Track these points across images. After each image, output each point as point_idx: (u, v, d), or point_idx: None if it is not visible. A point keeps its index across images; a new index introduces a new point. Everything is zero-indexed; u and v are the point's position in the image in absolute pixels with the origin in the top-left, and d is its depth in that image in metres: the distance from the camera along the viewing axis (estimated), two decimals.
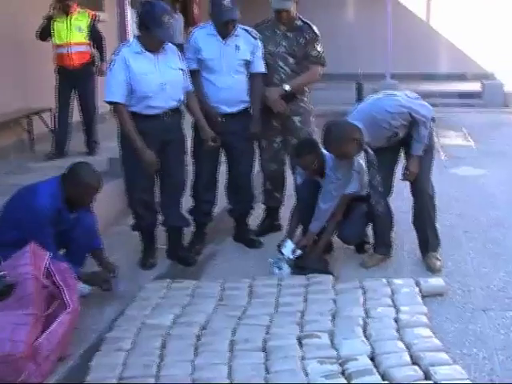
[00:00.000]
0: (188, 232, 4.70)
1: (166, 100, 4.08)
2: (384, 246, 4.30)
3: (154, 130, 4.08)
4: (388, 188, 4.23)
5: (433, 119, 4.11)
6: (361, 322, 3.36)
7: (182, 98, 4.19)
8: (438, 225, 4.32)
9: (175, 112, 4.19)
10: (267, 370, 3.01)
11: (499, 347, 3.18)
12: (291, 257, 4.15)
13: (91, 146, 6.26)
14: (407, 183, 4.22)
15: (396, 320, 3.37)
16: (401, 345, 3.12)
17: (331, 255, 4.42)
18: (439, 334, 3.29)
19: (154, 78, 3.99)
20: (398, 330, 3.27)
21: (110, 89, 4.00)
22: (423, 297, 3.69)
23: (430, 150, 4.14)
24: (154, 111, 4.08)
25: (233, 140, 4.42)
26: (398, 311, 3.47)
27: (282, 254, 4.19)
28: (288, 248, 4.18)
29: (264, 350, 3.19)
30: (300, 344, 3.21)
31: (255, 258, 4.51)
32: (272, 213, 4.93)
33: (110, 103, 4.08)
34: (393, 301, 3.59)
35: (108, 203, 4.88)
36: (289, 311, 3.56)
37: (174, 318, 3.55)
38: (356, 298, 3.63)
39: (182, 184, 4.42)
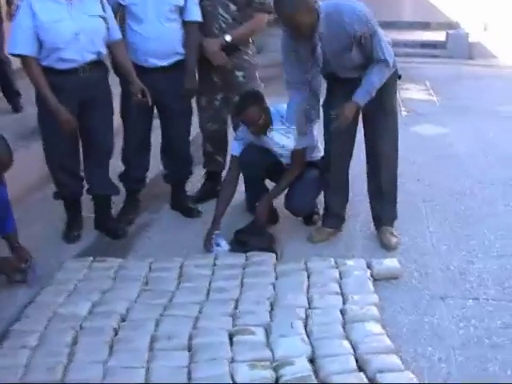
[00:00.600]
0: (121, 199, 4.21)
1: (81, 52, 3.51)
2: (334, 217, 3.86)
3: (69, 86, 3.54)
4: (348, 152, 3.76)
5: (399, 77, 3.63)
6: (302, 315, 2.92)
7: (104, 51, 3.63)
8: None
9: (96, 66, 3.63)
10: (190, 375, 2.58)
11: (457, 345, 2.79)
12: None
13: (13, 100, 5.59)
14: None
15: (342, 312, 2.94)
16: (346, 344, 2.70)
17: (275, 227, 3.96)
18: (391, 328, 2.89)
19: (66, 26, 3.41)
20: (344, 325, 2.85)
21: (14, 39, 3.43)
22: (375, 280, 3.28)
23: (392, 111, 3.65)
24: (68, 65, 3.52)
25: (166, 98, 3.88)
26: (345, 300, 3.04)
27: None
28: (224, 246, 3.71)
29: (189, 348, 2.75)
30: (231, 341, 2.78)
31: (192, 230, 4.03)
32: (213, 177, 4.45)
33: (18, 56, 3.52)
34: (340, 287, 3.17)
35: (32, 166, 4.34)
36: (222, 299, 3.11)
37: (91, 307, 3.08)
38: (299, 283, 3.19)
39: (109, 147, 3.89)
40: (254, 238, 3.65)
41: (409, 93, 7.76)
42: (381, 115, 3.57)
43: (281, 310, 2.99)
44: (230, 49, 4.02)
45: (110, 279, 3.35)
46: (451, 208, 4.25)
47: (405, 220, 3.99)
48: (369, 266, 3.36)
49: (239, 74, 4.11)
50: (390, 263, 3.39)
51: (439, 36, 11.09)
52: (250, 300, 3.08)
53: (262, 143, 3.81)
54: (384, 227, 3.74)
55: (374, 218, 3.84)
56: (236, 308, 3.03)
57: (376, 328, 2.82)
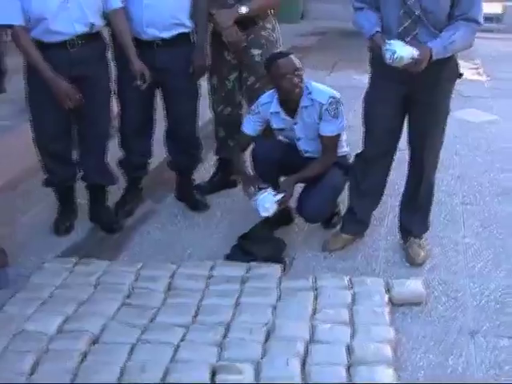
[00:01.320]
0: (122, 187, 3.81)
1: (70, 24, 3.07)
2: (357, 223, 3.35)
3: (57, 62, 3.11)
4: (390, 153, 3.19)
5: (460, 75, 3.02)
6: (301, 350, 2.46)
7: (99, 22, 3.17)
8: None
9: (89, 40, 3.18)
10: None
11: None
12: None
13: None
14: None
15: (349, 349, 2.47)
16: None
17: (288, 229, 3.49)
18: (405, 372, 2.41)
19: None
20: (349, 367, 2.38)
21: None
22: (394, 305, 2.79)
23: (445, 116, 3.06)
24: (56, 38, 3.09)
25: (169, 76, 3.41)
26: (354, 333, 2.56)
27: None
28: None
29: None
30: (213, 377, 2.34)
31: (196, 226, 3.61)
32: (225, 166, 3.96)
33: (6, 27, 3.15)
34: (351, 314, 2.69)
35: (21, 151, 3.93)
36: (210, 322, 2.66)
37: (62, 323, 2.67)
38: (303, 307, 2.72)
39: (103, 131, 3.46)
40: (259, 244, 3.18)
41: None
42: (432, 118, 2.99)
43: (277, 341, 2.53)
44: (246, 22, 3.49)
45: (90, 287, 2.94)
46: (494, 214, 3.70)
47: (437, 226, 3.49)
48: (387, 288, 2.86)
49: (255, 52, 3.58)
50: (413, 286, 2.89)
51: (495, 8, 10.20)
52: (243, 326, 2.63)
53: (284, 126, 3.30)
54: (412, 239, 3.23)
55: (401, 227, 3.32)
56: (225, 336, 2.58)
57: (387, 374, 2.34)
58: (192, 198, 3.82)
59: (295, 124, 3.25)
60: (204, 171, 4.12)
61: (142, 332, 2.61)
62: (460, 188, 4.03)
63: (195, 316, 2.72)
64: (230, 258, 3.18)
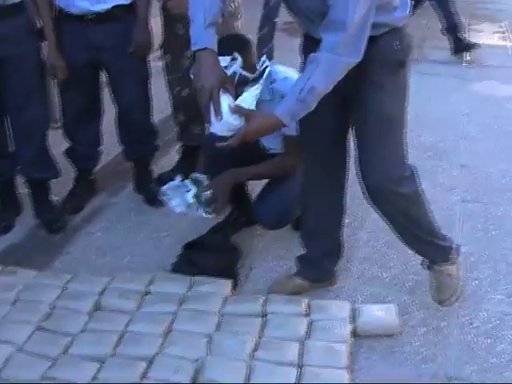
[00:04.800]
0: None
1: None
2: (311, 266, 2.59)
3: None
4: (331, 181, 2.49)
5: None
6: None
7: None
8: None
9: (5, 15, 2.70)
10: None
11: None
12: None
13: None
14: None
15: None
16: None
17: (250, 232, 2.98)
18: None
19: None
20: None
21: None
22: (359, 336, 2.30)
23: (392, 119, 2.20)
24: None
25: (108, 56, 2.94)
26: (300, 378, 2.07)
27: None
28: None
29: None
30: None
31: (151, 224, 3.14)
32: (189, 153, 3.47)
33: None
34: (301, 351, 2.19)
35: None
36: (131, 356, 2.19)
37: None
38: (243, 342, 2.22)
39: (38, 118, 2.98)
40: (206, 254, 2.68)
41: (478, 36, 6.21)
42: (371, 123, 2.19)
43: None
44: None
45: (7, 304, 2.49)
46: (499, 216, 3.12)
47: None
48: (354, 315, 2.35)
49: None
50: (385, 314, 2.37)
51: None
52: (168, 362, 2.16)
53: None
54: (437, 267, 2.46)
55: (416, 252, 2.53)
56: (145, 374, 2.12)
57: None
58: (149, 190, 3.35)
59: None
60: (169, 157, 3.63)
61: (50, 366, 2.17)
62: (462, 181, 3.45)
63: (116, 346, 2.25)
64: (174, 269, 2.70)
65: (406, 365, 2.19)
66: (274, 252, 2.85)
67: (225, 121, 2.04)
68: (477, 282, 2.64)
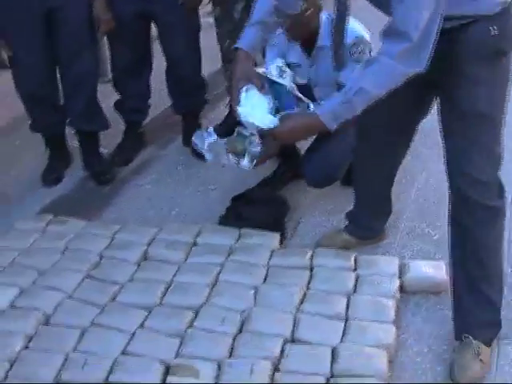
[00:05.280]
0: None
1: None
2: (361, 227, 2.56)
3: None
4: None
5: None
6: (276, 351, 1.98)
7: None
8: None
9: None
10: None
11: None
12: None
13: None
14: None
15: (334, 353, 1.97)
16: None
17: (298, 186, 2.95)
18: None
19: None
20: (329, 379, 1.90)
21: None
22: (406, 292, 2.27)
23: (487, 114, 1.88)
24: None
25: (159, 7, 2.91)
26: (346, 331, 2.06)
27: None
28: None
29: None
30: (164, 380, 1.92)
31: (198, 178, 3.15)
32: None
33: None
34: (348, 305, 2.18)
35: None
36: (178, 305, 2.21)
37: (15, 297, 2.29)
38: (290, 293, 2.23)
39: (88, 70, 3.01)
40: (254, 207, 2.67)
41: None
42: (458, 119, 1.92)
43: (250, 337, 2.06)
44: None
45: (56, 254, 2.54)
46: None
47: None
48: (401, 271, 2.32)
49: None
50: (434, 270, 2.33)
51: None
52: (215, 312, 2.17)
53: (301, 63, 2.71)
54: (469, 339, 1.98)
55: (457, 315, 2.07)
56: (191, 324, 2.14)
57: None
58: None
59: (311, 66, 2.68)
60: (218, 111, 3.61)
61: (100, 312, 2.21)
62: None
63: (163, 296, 2.28)
64: (222, 222, 2.70)
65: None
66: (321, 207, 2.83)
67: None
68: None
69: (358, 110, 1.85)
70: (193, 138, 2.49)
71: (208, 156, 2.44)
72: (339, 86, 2.52)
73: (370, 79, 1.79)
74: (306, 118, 2.00)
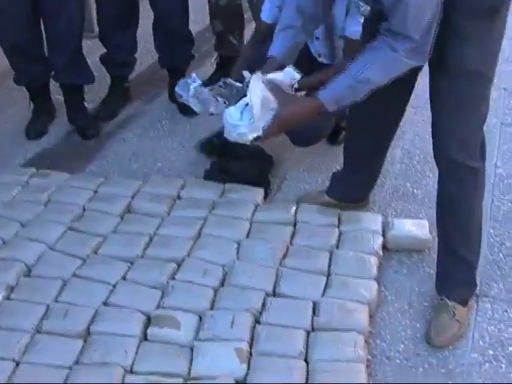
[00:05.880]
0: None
1: None
2: (343, 185, 2.49)
3: None
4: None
5: None
6: (258, 304, 1.99)
7: None
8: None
9: None
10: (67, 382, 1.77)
11: None
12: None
13: None
14: None
15: (315, 307, 1.98)
16: (298, 372, 1.77)
17: (283, 142, 2.91)
18: (383, 344, 1.92)
19: None
20: (309, 332, 1.91)
21: None
22: (388, 250, 2.28)
23: (473, 74, 1.84)
24: None
25: None
26: (327, 286, 2.07)
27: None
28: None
29: (85, 336, 1.92)
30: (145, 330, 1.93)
31: (181, 133, 3.12)
32: (225, 65, 3.40)
33: None
34: (330, 260, 2.18)
35: None
36: (160, 258, 2.21)
37: None
38: (273, 249, 2.23)
39: (72, 22, 2.93)
40: (239, 162, 2.66)
41: None
42: (446, 76, 1.88)
43: (231, 290, 2.07)
44: None
45: (39, 206, 2.52)
46: None
47: None
48: (383, 230, 2.33)
49: None
50: (416, 229, 2.34)
51: None
52: (197, 265, 2.17)
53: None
54: (445, 301, 2.02)
55: (437, 276, 2.12)
56: (173, 276, 2.14)
57: (353, 348, 1.84)
58: None
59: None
60: (205, 69, 3.56)
61: (81, 264, 2.20)
62: (503, 104, 3.32)
63: (145, 248, 2.27)
64: (206, 177, 2.68)
65: (433, 282, 2.15)
66: (306, 164, 2.82)
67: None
68: (510, 204, 2.57)
69: (360, 97, 1.87)
70: (176, 88, 2.34)
71: (193, 104, 2.31)
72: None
73: (375, 70, 1.81)
74: (306, 102, 1.98)
